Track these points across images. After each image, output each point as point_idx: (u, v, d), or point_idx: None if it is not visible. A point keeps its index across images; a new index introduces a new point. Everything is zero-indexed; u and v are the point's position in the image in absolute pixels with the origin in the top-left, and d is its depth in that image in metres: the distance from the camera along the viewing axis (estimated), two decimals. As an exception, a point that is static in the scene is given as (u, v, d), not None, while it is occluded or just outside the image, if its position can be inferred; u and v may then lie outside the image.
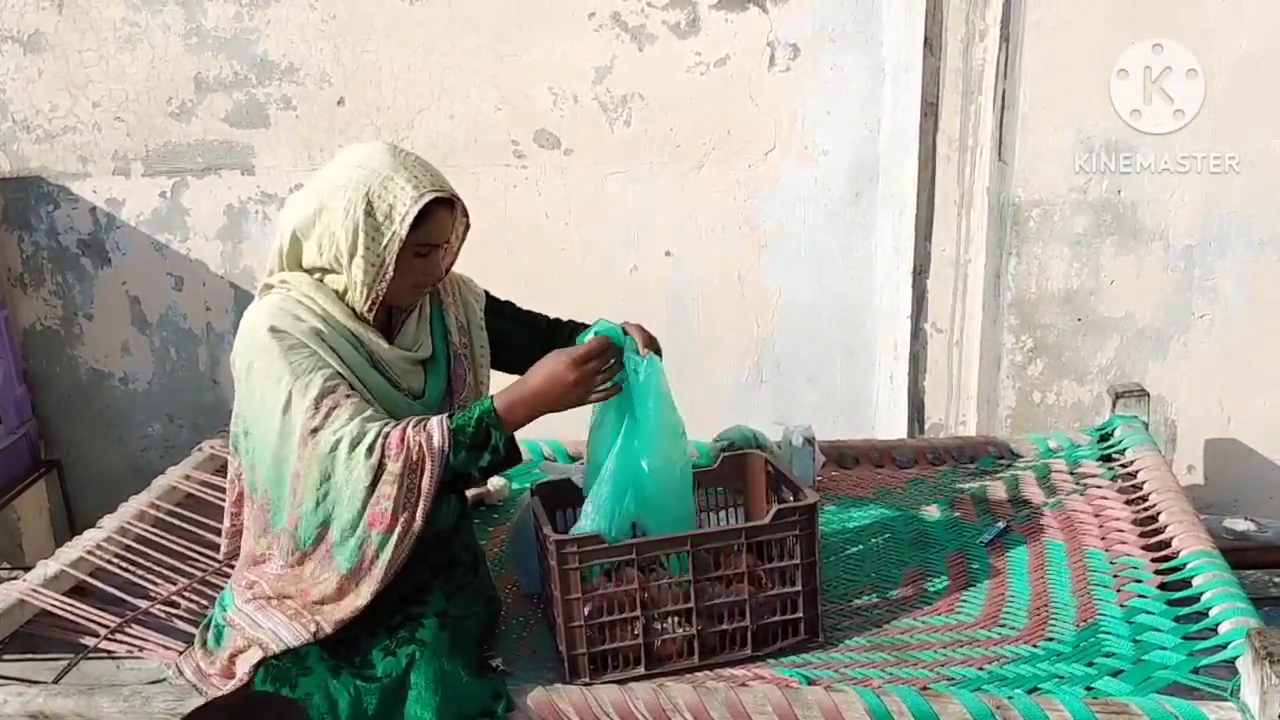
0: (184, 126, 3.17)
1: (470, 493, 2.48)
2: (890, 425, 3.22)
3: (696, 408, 3.20)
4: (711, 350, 3.26)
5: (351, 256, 1.75)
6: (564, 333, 2.08)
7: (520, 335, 2.08)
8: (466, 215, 1.88)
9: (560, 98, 3.09)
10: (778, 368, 3.26)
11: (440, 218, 1.79)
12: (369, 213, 1.73)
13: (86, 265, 3.32)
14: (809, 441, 2.50)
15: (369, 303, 1.79)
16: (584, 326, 2.06)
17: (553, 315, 2.16)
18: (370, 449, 1.68)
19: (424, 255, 1.80)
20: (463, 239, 1.92)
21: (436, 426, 1.71)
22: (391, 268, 1.76)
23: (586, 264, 3.20)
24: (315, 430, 1.69)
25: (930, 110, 3.01)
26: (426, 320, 1.94)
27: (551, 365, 1.74)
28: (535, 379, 1.75)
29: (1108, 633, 1.89)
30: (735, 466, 2.15)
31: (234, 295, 3.29)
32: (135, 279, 3.32)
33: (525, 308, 2.15)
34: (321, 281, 1.81)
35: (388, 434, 1.69)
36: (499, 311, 2.09)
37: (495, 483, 2.60)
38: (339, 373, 1.75)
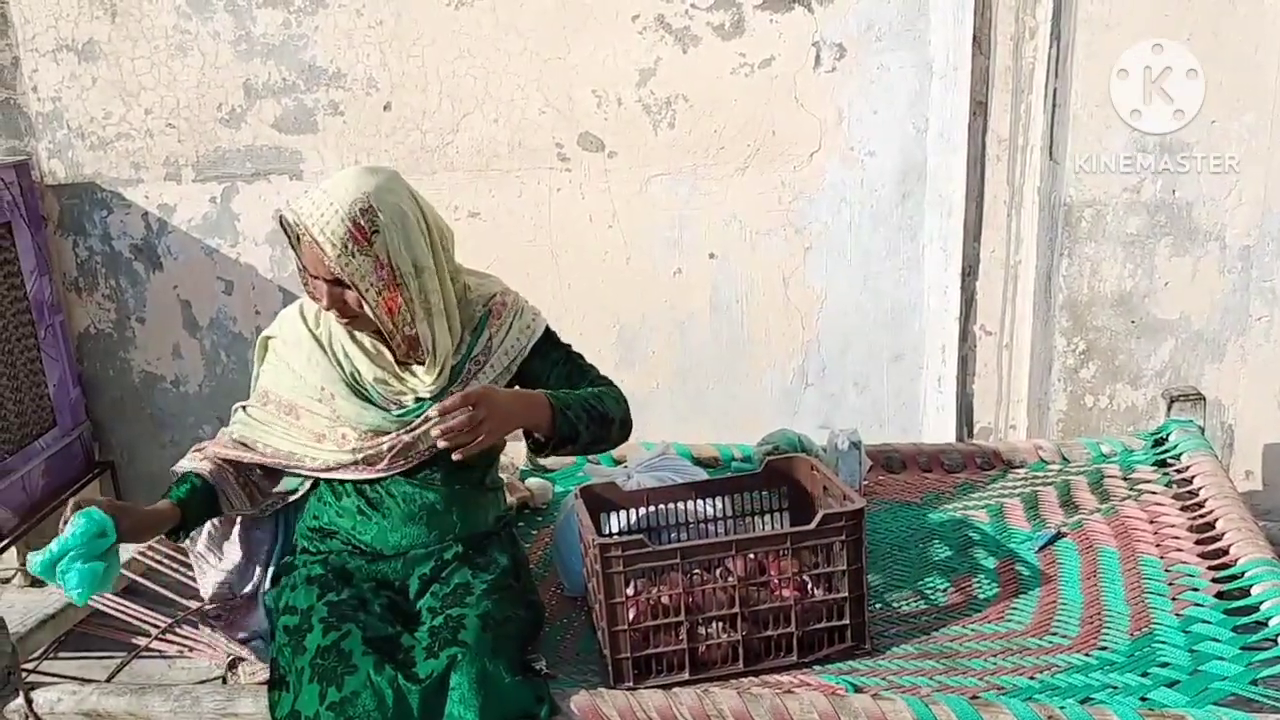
0: (234, 132, 3.22)
1: (511, 496, 2.49)
2: (938, 429, 3.17)
3: (741, 411, 3.21)
4: (756, 353, 3.24)
5: None
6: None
7: (558, 381, 1.98)
8: (311, 236, 1.74)
9: (604, 100, 3.09)
10: (823, 371, 3.23)
11: (303, 242, 1.78)
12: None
13: (139, 270, 3.37)
14: (855, 445, 2.48)
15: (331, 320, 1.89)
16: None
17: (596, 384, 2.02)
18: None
19: (312, 277, 1.82)
20: (364, 280, 1.76)
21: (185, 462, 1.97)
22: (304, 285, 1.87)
23: (630, 266, 3.20)
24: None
25: (979, 109, 2.97)
26: (457, 338, 1.90)
27: None
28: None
29: (1163, 642, 1.85)
30: (781, 470, 2.13)
31: (282, 299, 3.33)
32: (186, 283, 3.37)
33: (580, 367, 2.01)
34: None
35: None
36: (545, 357, 1.99)
37: (538, 485, 2.61)
38: (275, 396, 1.94)
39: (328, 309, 1.83)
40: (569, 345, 2.04)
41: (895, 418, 3.23)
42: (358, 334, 1.89)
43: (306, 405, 1.91)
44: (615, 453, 2.68)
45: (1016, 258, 3.06)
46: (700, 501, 2.11)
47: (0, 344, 3.06)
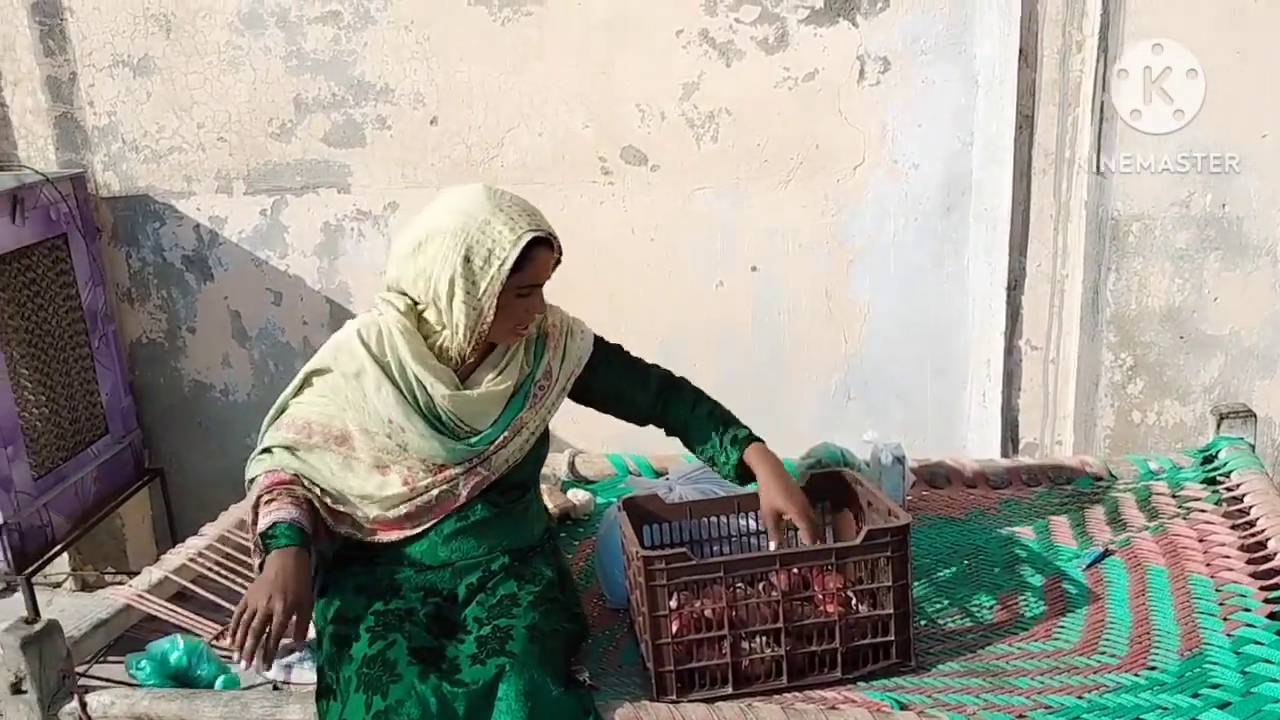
0: (284, 146, 3.27)
1: (553, 506, 2.51)
2: (982, 445, 3.15)
3: (782, 424, 3.20)
4: (798, 366, 3.24)
5: (450, 301, 1.81)
6: (671, 412, 2.06)
7: (619, 387, 2.05)
8: (560, 251, 1.88)
9: (647, 114, 3.11)
10: (865, 384, 3.22)
11: (540, 257, 1.82)
12: (467, 259, 1.78)
13: (190, 280, 3.43)
14: (899, 460, 2.46)
15: (471, 344, 1.85)
16: (692, 411, 2.05)
17: (660, 368, 2.09)
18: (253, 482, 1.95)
19: (525, 296, 1.84)
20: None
21: (265, 516, 1.84)
22: (491, 312, 1.81)
23: (672, 279, 3.21)
24: (260, 447, 1.99)
25: (1025, 123, 2.95)
26: (519, 358, 1.95)
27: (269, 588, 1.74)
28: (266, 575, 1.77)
29: (1214, 663, 1.82)
30: (824, 485, 2.13)
31: (329, 310, 3.38)
32: (236, 294, 3.42)
33: (639, 368, 2.07)
34: (415, 311, 1.87)
35: (256, 478, 1.94)
36: (599, 369, 2.03)
37: (580, 496, 2.62)
38: (323, 427, 1.90)
39: (538, 313, 1.89)
40: (617, 346, 2.08)
41: (938, 432, 3.21)
42: (426, 357, 1.87)
43: (365, 438, 1.88)
44: (657, 464, 2.70)
45: (1063, 272, 3.03)
46: (743, 515, 2.10)
47: (55, 353, 3.12)
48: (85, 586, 3.61)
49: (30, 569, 2.95)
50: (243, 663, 1.69)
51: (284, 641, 1.88)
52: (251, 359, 3.47)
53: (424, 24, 3.12)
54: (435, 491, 1.90)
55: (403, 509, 1.90)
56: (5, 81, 3.30)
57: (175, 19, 3.21)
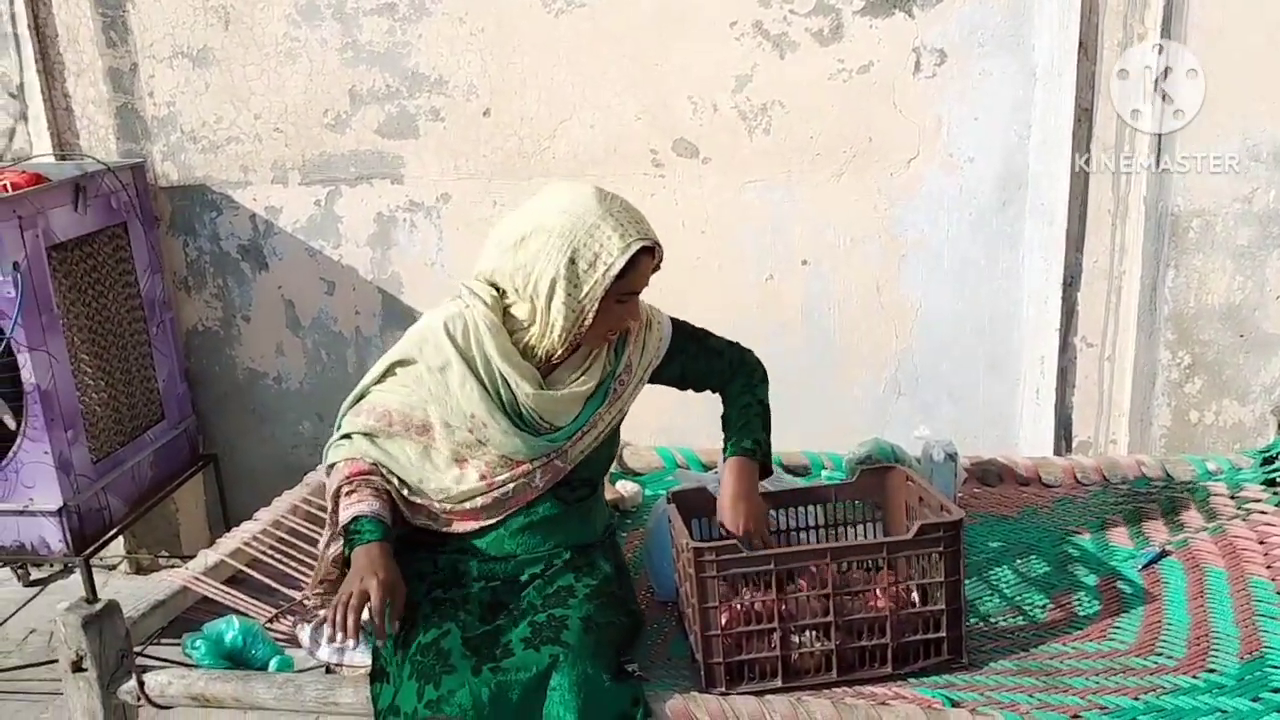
0: (338, 137, 3.30)
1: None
2: (1035, 442, 3.11)
3: (832, 419, 3.19)
4: (848, 361, 3.21)
5: (550, 300, 1.80)
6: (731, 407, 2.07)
7: (694, 373, 2.08)
8: (661, 258, 1.88)
9: (699, 107, 3.10)
10: (917, 380, 3.19)
11: (644, 265, 1.83)
12: (572, 261, 1.78)
13: (245, 269, 3.48)
14: (950, 457, 2.43)
15: (564, 345, 1.86)
16: (740, 419, 2.05)
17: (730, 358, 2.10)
18: (331, 467, 1.97)
19: (624, 302, 1.85)
20: None
21: (347, 509, 1.87)
22: (590, 316, 1.81)
23: (723, 273, 3.20)
24: (339, 432, 1.98)
25: (1084, 116, 2.90)
26: (602, 358, 1.95)
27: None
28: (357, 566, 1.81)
29: (1275, 666, 1.79)
30: (874, 481, 2.11)
31: (381, 300, 3.41)
32: (290, 283, 3.47)
33: (711, 350, 2.08)
34: (500, 304, 1.86)
35: (335, 465, 1.95)
36: (676, 358, 2.04)
37: (629, 488, 2.62)
38: (404, 416, 1.90)
39: (635, 319, 1.91)
40: (692, 329, 2.08)
41: (990, 429, 3.17)
42: (512, 354, 1.87)
43: (445, 431, 1.89)
44: (705, 458, 2.69)
45: (1121, 268, 2.98)
46: (792, 509, 2.10)
47: (114, 339, 3.18)
48: (139, 570, 3.69)
49: (88, 551, 3.01)
50: (349, 640, 1.78)
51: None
52: (304, 348, 3.51)
53: (478, 16, 3.13)
54: (511, 485, 1.91)
55: (479, 501, 1.92)
56: (69, 72, 3.36)
57: (234, 11, 3.25)
